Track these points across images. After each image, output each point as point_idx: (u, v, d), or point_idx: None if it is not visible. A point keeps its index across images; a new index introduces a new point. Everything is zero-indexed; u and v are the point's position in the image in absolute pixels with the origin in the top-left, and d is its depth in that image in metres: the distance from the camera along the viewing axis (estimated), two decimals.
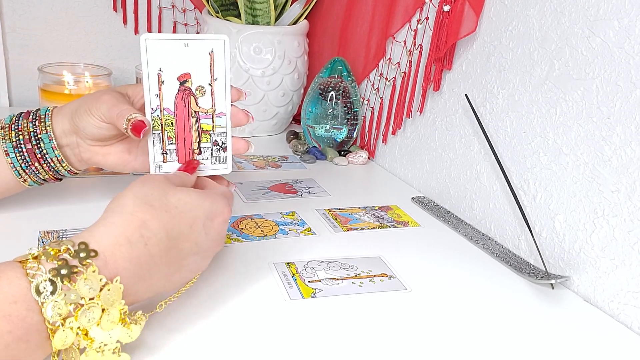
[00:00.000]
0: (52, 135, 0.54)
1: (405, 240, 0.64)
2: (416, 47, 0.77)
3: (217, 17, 0.91)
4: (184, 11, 1.04)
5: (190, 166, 0.52)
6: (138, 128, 0.48)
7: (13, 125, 0.54)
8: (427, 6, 0.75)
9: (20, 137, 0.54)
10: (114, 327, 0.37)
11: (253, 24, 0.90)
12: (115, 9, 0.99)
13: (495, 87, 0.66)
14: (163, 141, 0.51)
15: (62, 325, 0.35)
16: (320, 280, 0.53)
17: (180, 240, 0.43)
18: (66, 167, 0.56)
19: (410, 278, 0.56)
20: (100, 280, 0.36)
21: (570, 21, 0.57)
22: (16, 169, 0.54)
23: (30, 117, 0.55)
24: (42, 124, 0.54)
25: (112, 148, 0.56)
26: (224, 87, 0.51)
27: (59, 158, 0.55)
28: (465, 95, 0.69)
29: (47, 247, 0.37)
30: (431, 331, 0.48)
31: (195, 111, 0.51)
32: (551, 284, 0.57)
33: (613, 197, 0.53)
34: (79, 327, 0.36)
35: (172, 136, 0.51)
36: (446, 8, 0.69)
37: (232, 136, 0.53)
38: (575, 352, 0.47)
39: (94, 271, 0.36)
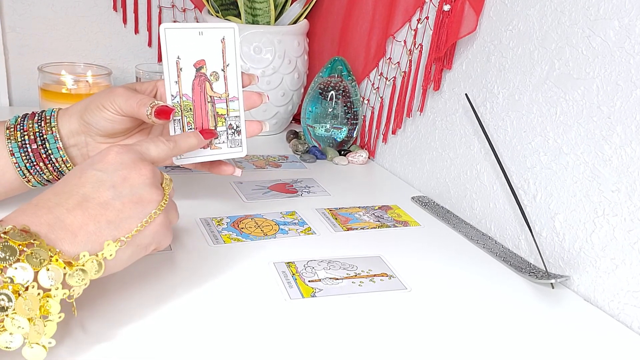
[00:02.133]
0: (58, 136, 0.54)
1: (405, 239, 0.64)
2: (416, 46, 0.77)
3: (217, 16, 0.91)
4: (184, 11, 1.04)
5: (205, 133, 0.53)
6: (166, 112, 0.51)
7: (18, 126, 0.54)
8: (427, 6, 0.75)
9: (26, 137, 0.54)
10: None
11: (253, 23, 0.90)
12: (115, 8, 0.99)
13: (495, 87, 0.66)
14: (183, 127, 0.53)
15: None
16: (320, 280, 0.53)
17: (74, 187, 0.41)
18: (70, 167, 0.56)
19: (410, 278, 0.56)
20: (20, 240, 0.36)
21: (571, 20, 0.57)
22: (21, 169, 0.54)
23: (36, 118, 0.55)
24: (47, 124, 0.54)
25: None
26: (235, 72, 0.54)
27: (64, 158, 0.55)
28: (466, 94, 0.69)
29: None
30: (431, 331, 0.48)
31: (210, 96, 0.54)
32: (551, 284, 0.57)
33: (613, 196, 0.53)
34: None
35: (190, 121, 0.54)
36: (446, 7, 0.69)
37: (245, 120, 0.56)
38: (575, 352, 0.47)
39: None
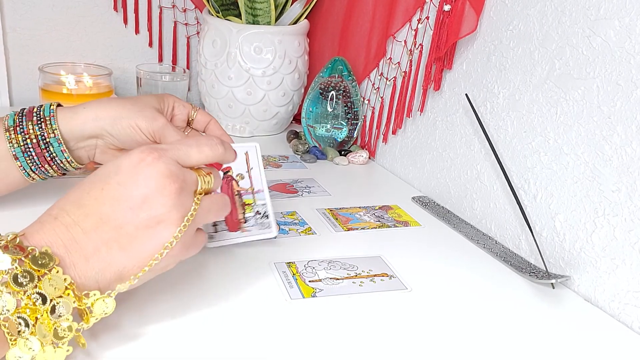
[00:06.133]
0: (61, 139, 0.54)
1: (405, 240, 0.64)
2: (417, 46, 0.77)
3: (218, 16, 0.91)
4: (185, 11, 1.04)
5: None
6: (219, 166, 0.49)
7: (18, 129, 0.54)
8: (428, 6, 0.75)
9: (28, 140, 0.54)
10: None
11: (253, 23, 0.90)
12: (115, 8, 0.99)
13: (495, 87, 0.66)
14: None
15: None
16: (320, 280, 0.53)
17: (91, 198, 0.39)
18: (74, 166, 0.57)
19: (410, 278, 0.56)
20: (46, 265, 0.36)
21: (571, 20, 0.57)
22: (26, 172, 0.55)
23: (35, 118, 0.54)
24: (48, 127, 0.54)
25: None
26: (259, 172, 0.59)
27: (69, 160, 0.55)
28: (466, 94, 0.69)
29: None
30: (431, 331, 0.48)
31: (237, 190, 0.58)
32: (552, 284, 0.57)
33: (614, 196, 0.53)
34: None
35: None
36: (447, 7, 0.69)
37: (271, 205, 0.59)
38: (575, 352, 0.47)
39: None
